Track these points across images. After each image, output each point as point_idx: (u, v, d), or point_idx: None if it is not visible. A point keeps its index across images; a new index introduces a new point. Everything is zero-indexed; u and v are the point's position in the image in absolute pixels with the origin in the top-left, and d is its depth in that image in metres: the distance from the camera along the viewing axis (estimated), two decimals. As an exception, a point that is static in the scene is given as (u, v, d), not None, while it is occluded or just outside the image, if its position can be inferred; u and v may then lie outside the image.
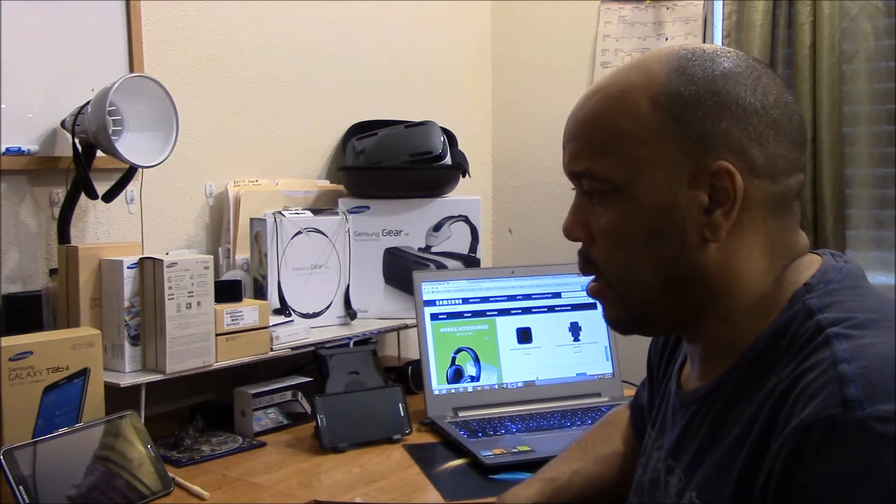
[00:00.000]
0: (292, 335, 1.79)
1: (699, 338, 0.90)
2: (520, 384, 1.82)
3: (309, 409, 1.75)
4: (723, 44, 2.38)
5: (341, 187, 2.19)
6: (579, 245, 0.91)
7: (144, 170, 1.75)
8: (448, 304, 1.82)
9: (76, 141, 1.64)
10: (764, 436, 0.75)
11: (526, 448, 1.55)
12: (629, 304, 0.87)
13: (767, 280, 0.84)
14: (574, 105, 0.91)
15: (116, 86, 1.59)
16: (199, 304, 1.60)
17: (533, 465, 1.32)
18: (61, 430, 1.32)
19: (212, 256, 1.66)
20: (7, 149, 1.63)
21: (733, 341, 0.84)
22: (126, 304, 1.57)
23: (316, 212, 1.99)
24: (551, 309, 1.88)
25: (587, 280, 0.92)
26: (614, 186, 0.84)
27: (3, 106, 1.62)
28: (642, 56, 0.87)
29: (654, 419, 1.02)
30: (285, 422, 1.73)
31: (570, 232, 0.90)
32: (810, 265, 0.85)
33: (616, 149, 0.83)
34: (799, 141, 0.85)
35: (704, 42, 2.45)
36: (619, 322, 0.90)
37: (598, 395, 1.84)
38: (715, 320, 0.85)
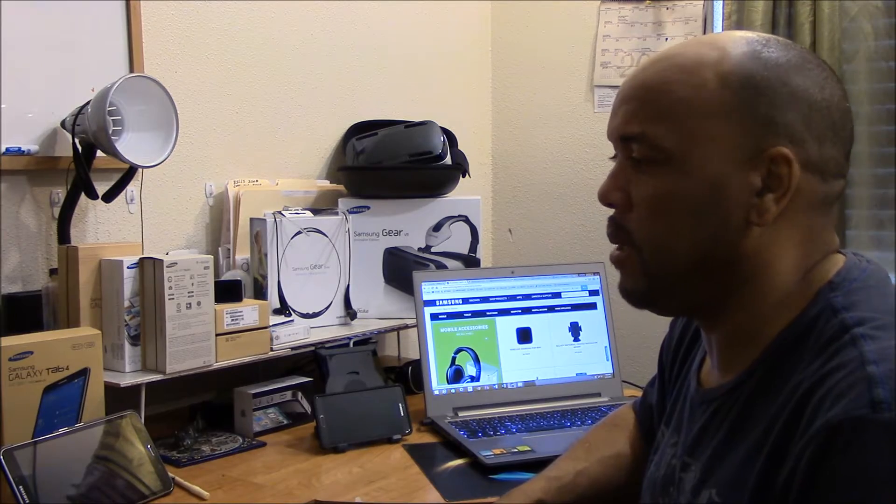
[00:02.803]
0: (292, 335, 1.79)
1: (717, 326, 0.89)
2: (520, 384, 1.82)
3: (309, 409, 1.75)
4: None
5: (341, 187, 2.18)
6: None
7: (144, 170, 1.75)
8: (448, 304, 1.82)
9: (76, 141, 1.64)
10: (787, 434, 0.75)
11: (526, 448, 1.55)
12: (655, 275, 0.86)
13: (796, 276, 0.84)
14: (631, 71, 0.89)
15: (116, 86, 1.59)
16: (199, 304, 1.60)
17: (533, 465, 1.32)
18: (61, 430, 1.32)
19: (212, 256, 1.66)
20: (7, 149, 1.63)
21: (754, 334, 0.84)
22: (126, 304, 1.57)
23: (316, 212, 1.99)
24: (551, 309, 1.88)
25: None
26: (667, 155, 0.83)
27: (3, 106, 1.62)
28: (715, 34, 0.88)
29: (668, 417, 1.01)
30: (285, 422, 1.73)
31: (606, 196, 0.88)
32: (834, 263, 0.86)
33: (676, 117, 0.82)
34: (848, 147, 0.86)
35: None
36: (636, 293, 0.89)
37: (598, 395, 1.84)
38: (737, 308, 0.85)
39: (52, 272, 1.66)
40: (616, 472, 1.15)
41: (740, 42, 0.84)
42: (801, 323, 0.82)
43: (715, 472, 0.84)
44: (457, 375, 1.78)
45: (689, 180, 0.82)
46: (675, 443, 0.95)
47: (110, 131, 1.60)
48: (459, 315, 1.82)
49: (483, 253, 2.30)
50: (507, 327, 1.85)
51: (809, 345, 0.79)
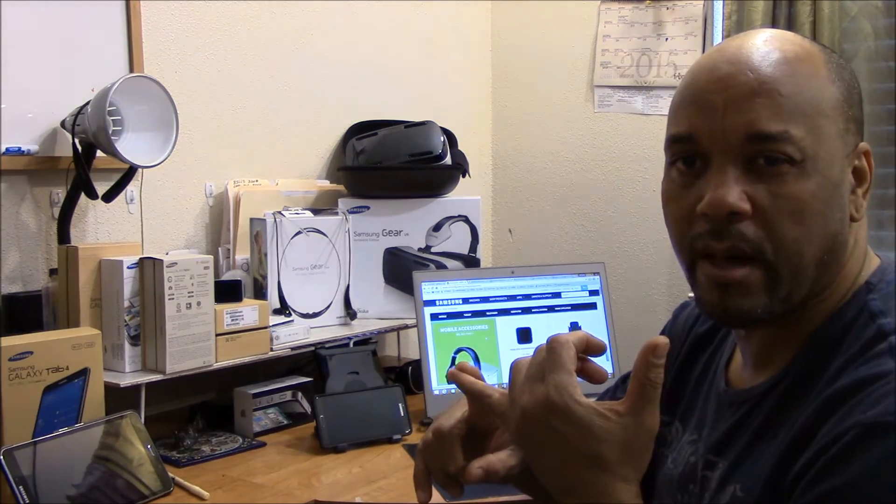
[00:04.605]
0: (292, 335, 1.79)
1: (768, 327, 0.85)
2: (520, 384, 1.81)
3: (309, 409, 1.75)
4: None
5: (341, 187, 2.19)
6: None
7: (144, 170, 1.75)
8: (448, 304, 1.82)
9: (76, 141, 1.64)
10: (813, 430, 0.75)
11: (526, 448, 1.54)
12: (780, 287, 0.80)
13: (857, 274, 0.84)
14: (725, 56, 0.82)
15: (116, 86, 1.59)
16: (199, 304, 1.60)
17: (533, 465, 1.32)
18: (61, 430, 1.32)
19: (212, 256, 1.67)
20: (7, 149, 1.63)
21: (793, 332, 0.84)
22: (126, 304, 1.57)
23: (316, 212, 1.99)
24: (551, 309, 1.87)
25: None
26: (804, 155, 0.79)
27: (3, 106, 1.62)
28: (767, 30, 0.85)
29: (683, 413, 1.00)
30: (285, 422, 1.73)
31: (736, 204, 0.78)
32: (870, 262, 0.86)
33: (807, 116, 0.80)
34: None
35: (704, 43, 2.45)
36: (753, 311, 0.81)
37: (598, 394, 1.84)
38: (807, 310, 0.83)
39: (52, 272, 1.66)
40: None
41: (806, 39, 0.85)
42: (838, 325, 0.81)
43: (741, 469, 0.83)
44: (457, 375, 1.78)
45: (820, 180, 0.80)
46: (696, 440, 0.94)
47: (110, 131, 1.60)
48: (459, 315, 1.82)
49: (483, 253, 2.31)
50: (507, 327, 1.84)
51: (844, 348, 0.79)
